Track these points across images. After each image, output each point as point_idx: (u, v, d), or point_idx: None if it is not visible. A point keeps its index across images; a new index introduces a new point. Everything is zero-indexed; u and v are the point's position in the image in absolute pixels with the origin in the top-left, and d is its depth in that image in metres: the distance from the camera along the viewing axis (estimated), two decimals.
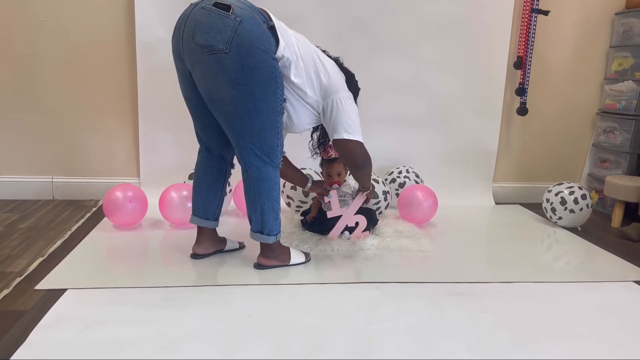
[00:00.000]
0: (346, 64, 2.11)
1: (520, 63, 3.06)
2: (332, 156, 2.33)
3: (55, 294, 1.71)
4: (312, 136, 2.24)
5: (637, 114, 2.96)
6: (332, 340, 1.49)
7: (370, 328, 1.58)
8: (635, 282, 2.03)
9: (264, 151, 1.82)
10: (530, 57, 3.04)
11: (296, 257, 2.06)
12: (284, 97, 1.84)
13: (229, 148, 1.99)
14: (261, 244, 1.97)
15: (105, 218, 2.48)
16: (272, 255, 1.99)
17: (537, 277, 2.05)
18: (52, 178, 2.93)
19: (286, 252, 2.04)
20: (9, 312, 1.59)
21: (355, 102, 2.09)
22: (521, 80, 3.08)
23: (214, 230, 2.12)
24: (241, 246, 2.22)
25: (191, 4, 1.76)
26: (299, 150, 2.38)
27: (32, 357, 1.36)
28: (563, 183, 2.73)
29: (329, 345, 1.47)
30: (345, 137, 1.90)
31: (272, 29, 1.75)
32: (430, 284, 1.93)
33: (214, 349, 1.43)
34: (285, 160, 2.13)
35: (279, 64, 1.77)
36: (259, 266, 2.00)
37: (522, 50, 3.05)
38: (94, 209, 2.73)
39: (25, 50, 2.77)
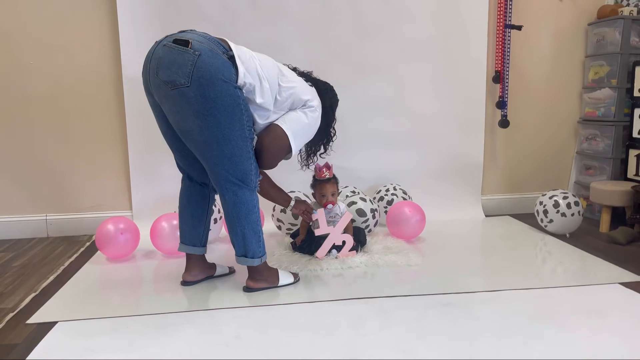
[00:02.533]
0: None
1: (499, 77, 3.13)
2: (326, 176, 2.37)
3: (46, 327, 1.74)
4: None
5: (616, 119, 3.02)
6: (319, 356, 1.51)
7: (358, 341, 1.60)
8: (621, 284, 2.05)
9: (237, 176, 1.87)
10: (508, 71, 3.12)
11: (285, 278, 2.09)
12: (252, 123, 1.89)
13: None
14: (248, 267, 2.00)
15: (99, 251, 2.52)
16: (260, 278, 2.02)
17: (524, 284, 2.07)
18: (46, 216, 2.97)
19: (274, 273, 2.07)
20: (1, 346, 1.62)
21: (334, 112, 2.14)
22: (500, 94, 3.15)
23: (203, 257, 2.15)
24: (231, 271, 2.25)
25: (155, 42, 1.85)
26: (288, 174, 2.43)
27: None
28: (558, 189, 2.78)
29: None
30: (282, 127, 1.94)
31: (232, 58, 1.82)
32: (418, 297, 1.95)
33: None
34: (269, 180, 2.18)
35: (243, 90, 1.83)
36: (248, 289, 2.02)
37: (500, 65, 3.12)
38: (88, 244, 2.77)
39: (14, 92, 2.84)
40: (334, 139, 2.22)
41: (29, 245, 2.79)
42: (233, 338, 1.64)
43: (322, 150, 2.23)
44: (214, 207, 2.57)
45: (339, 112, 2.72)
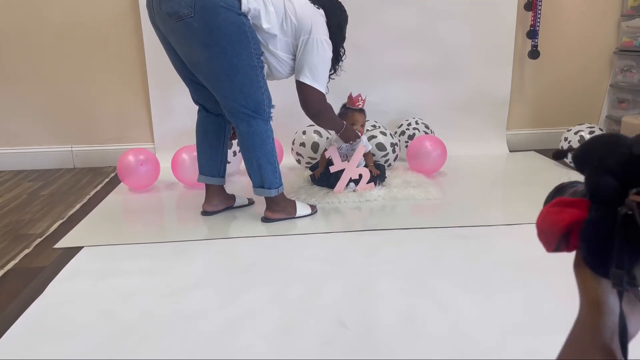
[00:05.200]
0: (351, 15, 2.09)
1: (531, 4, 2.96)
2: (360, 105, 2.33)
3: (72, 252, 1.81)
4: None
5: None
6: (331, 283, 1.54)
7: (370, 270, 1.62)
8: None
9: (249, 107, 1.85)
10: None
11: (302, 209, 2.10)
12: (261, 50, 1.84)
13: None
14: (266, 198, 2.02)
15: (122, 182, 2.57)
16: (278, 209, 2.04)
17: None
18: (72, 147, 3.03)
19: (292, 204, 2.09)
20: (29, 268, 1.70)
21: (343, 31, 2.06)
22: (532, 22, 2.99)
23: (222, 187, 2.17)
24: (250, 202, 2.28)
25: None
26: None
27: (48, 307, 1.45)
28: (584, 124, 2.68)
29: (328, 288, 1.52)
30: (307, 83, 1.93)
31: None
32: (434, 229, 1.95)
33: (216, 295, 1.50)
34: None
35: (249, 16, 1.77)
36: (266, 220, 2.06)
37: None
38: (112, 175, 2.83)
39: (32, 22, 2.83)
40: (343, 58, 2.14)
41: (57, 175, 2.87)
42: (249, 265, 1.68)
43: (332, 71, 2.14)
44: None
45: (360, 42, 2.60)
